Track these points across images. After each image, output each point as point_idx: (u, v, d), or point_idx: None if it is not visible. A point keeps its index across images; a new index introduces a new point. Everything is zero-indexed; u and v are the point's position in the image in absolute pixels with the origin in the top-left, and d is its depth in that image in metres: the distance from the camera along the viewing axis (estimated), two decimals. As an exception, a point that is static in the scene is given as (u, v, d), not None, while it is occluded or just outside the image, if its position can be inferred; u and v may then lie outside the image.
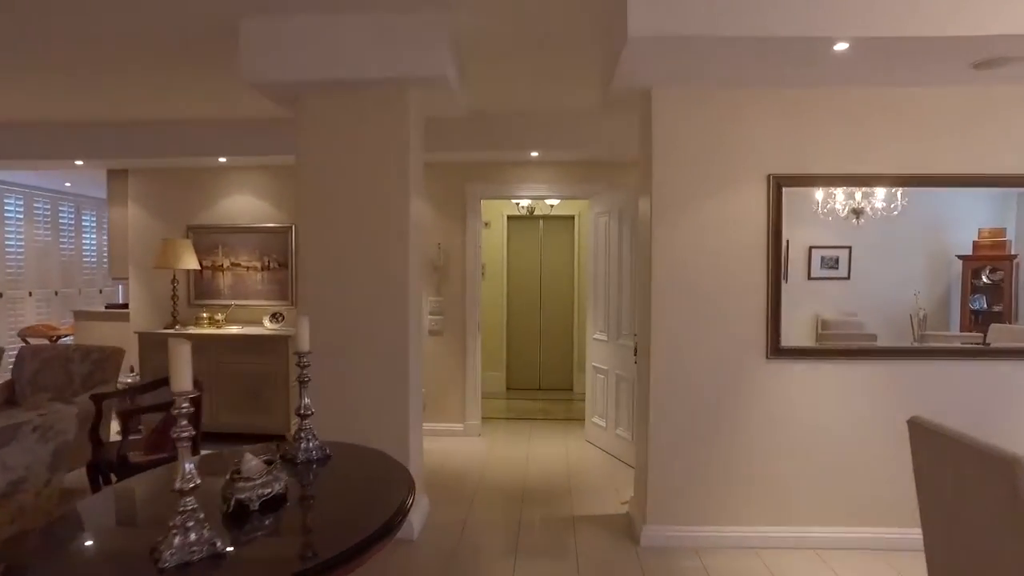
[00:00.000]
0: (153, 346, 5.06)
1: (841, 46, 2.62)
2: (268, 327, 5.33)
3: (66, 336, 6.85)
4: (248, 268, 5.62)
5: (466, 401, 5.41)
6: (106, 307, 6.66)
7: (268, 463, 1.85)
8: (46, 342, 6.46)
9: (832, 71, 2.94)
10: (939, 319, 3.28)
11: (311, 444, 2.24)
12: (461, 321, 5.38)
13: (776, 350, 3.21)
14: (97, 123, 4.94)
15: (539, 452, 4.97)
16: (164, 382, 1.81)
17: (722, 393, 3.24)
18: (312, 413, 2.27)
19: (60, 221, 7.97)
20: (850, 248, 3.24)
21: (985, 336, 3.25)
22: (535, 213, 7.04)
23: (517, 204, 6.79)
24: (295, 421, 2.29)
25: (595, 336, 5.15)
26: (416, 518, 3.36)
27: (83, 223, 8.41)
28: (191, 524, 1.45)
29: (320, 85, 3.15)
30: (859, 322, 3.32)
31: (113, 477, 3.17)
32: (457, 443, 5.16)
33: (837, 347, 3.25)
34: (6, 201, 7.10)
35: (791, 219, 3.19)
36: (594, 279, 5.17)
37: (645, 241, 3.37)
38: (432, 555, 3.18)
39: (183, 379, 1.48)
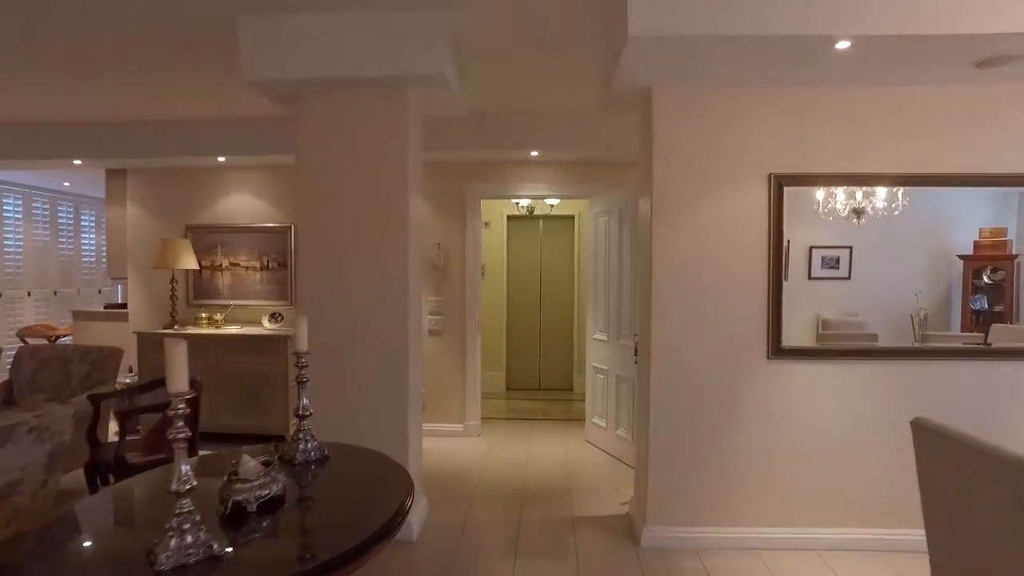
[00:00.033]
0: (152, 346, 5.05)
1: (842, 45, 2.60)
2: (267, 327, 5.32)
3: (65, 336, 6.84)
4: (247, 268, 5.61)
5: (466, 401, 5.40)
6: (105, 307, 6.64)
7: (266, 464, 1.83)
8: (45, 342, 6.44)
9: (833, 70, 2.92)
10: (940, 319, 3.27)
11: (309, 445, 2.23)
12: (461, 321, 5.36)
13: (777, 350, 3.19)
14: (95, 123, 4.93)
15: (539, 452, 4.96)
16: (162, 382, 1.80)
17: (723, 393, 3.23)
18: (310, 414, 2.26)
19: (59, 221, 7.96)
20: (851, 248, 3.23)
21: (987, 336, 3.24)
22: (535, 213, 7.02)
23: (517, 204, 6.78)
24: (294, 421, 2.28)
25: (595, 336, 5.13)
26: (415, 519, 3.35)
27: (82, 223, 8.40)
28: (187, 526, 1.43)
29: (319, 83, 3.14)
30: (860, 322, 3.30)
31: (111, 478, 3.15)
32: (457, 443, 5.15)
33: (839, 347, 3.24)
34: (4, 201, 7.09)
35: (792, 219, 3.18)
36: (594, 279, 5.16)
37: (645, 241, 3.35)
38: (431, 556, 3.16)
39: (179, 380, 1.47)
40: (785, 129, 3.18)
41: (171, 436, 1.46)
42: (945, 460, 1.76)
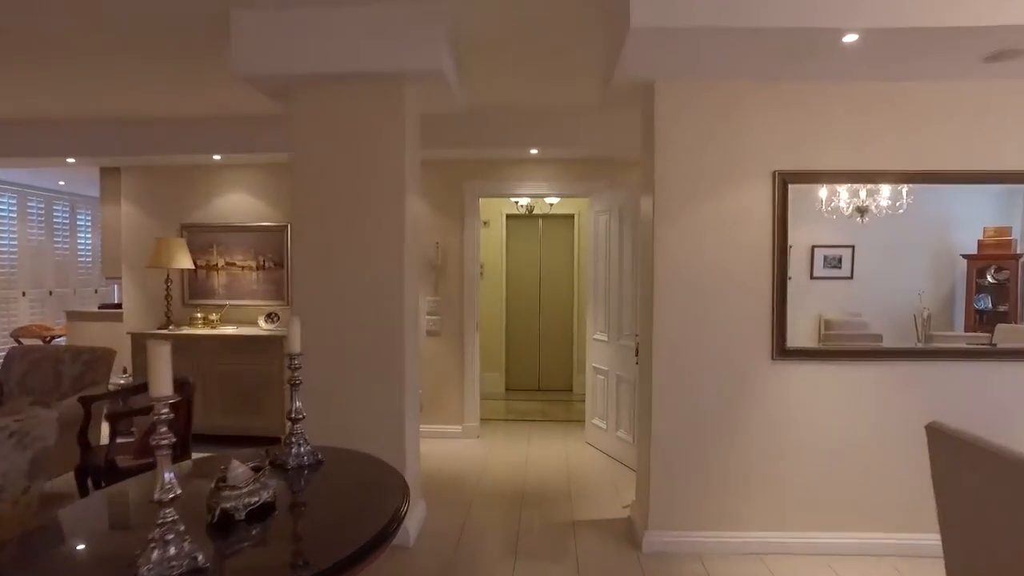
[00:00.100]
0: (146, 347, 4.98)
1: (850, 37, 2.54)
2: (263, 327, 5.25)
3: (60, 336, 6.77)
4: (243, 267, 5.54)
5: (464, 402, 5.33)
6: (99, 307, 6.57)
7: (256, 470, 1.77)
8: (40, 343, 6.38)
9: (840, 64, 2.86)
10: (943, 319, 3.22)
11: (302, 449, 2.16)
12: (459, 321, 5.30)
13: (782, 351, 3.13)
14: (89, 120, 4.86)
15: (538, 454, 4.90)
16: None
17: (726, 395, 3.16)
18: (304, 417, 2.20)
19: (54, 220, 7.88)
20: (853, 247, 3.18)
21: (992, 336, 3.19)
22: (534, 212, 6.96)
23: (516, 202, 6.72)
24: (288, 424, 2.21)
25: (595, 336, 5.07)
26: (412, 524, 3.29)
27: (78, 222, 8.33)
28: (171, 537, 1.37)
29: (313, 78, 3.07)
30: (863, 322, 3.25)
31: (103, 482, 3.08)
32: (455, 445, 5.08)
33: (844, 348, 3.18)
34: (-1, 200, 7.03)
35: (794, 217, 3.13)
36: (594, 278, 5.10)
37: (647, 240, 3.29)
38: (429, 562, 3.10)
39: (162, 383, 1.40)
40: (790, 125, 3.11)
41: (154, 443, 1.39)
42: (961, 465, 1.71)
